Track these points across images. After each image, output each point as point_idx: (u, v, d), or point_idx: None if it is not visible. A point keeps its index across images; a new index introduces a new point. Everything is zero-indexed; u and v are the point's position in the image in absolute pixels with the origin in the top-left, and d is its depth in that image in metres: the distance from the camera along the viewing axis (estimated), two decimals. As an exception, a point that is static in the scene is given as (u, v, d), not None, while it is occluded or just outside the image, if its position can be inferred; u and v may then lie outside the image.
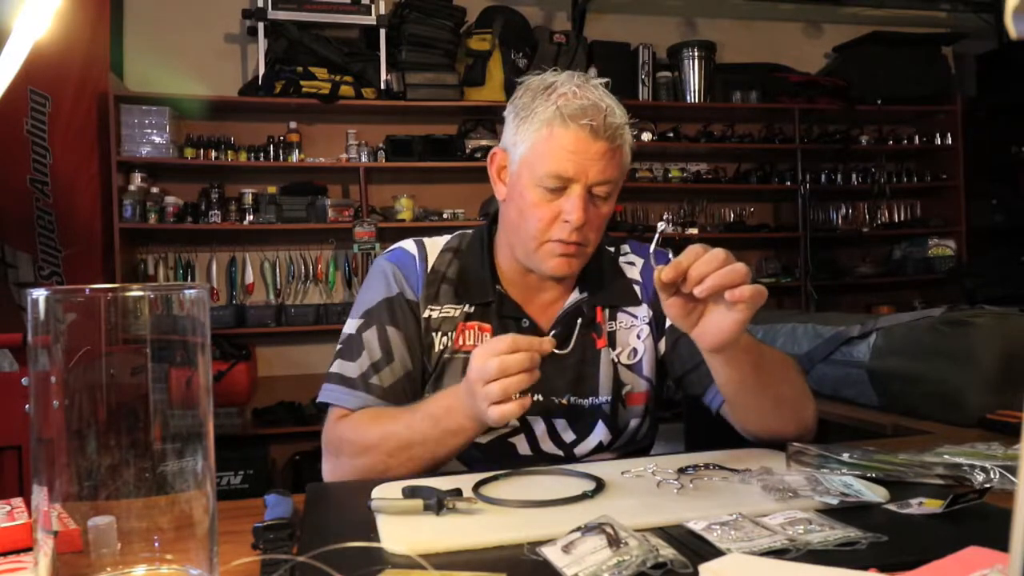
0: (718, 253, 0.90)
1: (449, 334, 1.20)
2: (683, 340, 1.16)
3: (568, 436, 1.20)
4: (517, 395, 0.94)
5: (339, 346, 1.21)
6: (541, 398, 1.17)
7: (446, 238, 1.28)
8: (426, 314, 1.21)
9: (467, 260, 1.24)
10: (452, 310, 1.21)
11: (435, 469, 1.08)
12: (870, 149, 4.55)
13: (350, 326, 1.22)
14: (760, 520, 0.77)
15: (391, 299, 1.21)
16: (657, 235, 1.00)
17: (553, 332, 1.20)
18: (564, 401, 1.19)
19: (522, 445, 1.19)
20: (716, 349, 0.97)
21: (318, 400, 1.19)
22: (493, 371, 0.93)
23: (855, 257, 4.67)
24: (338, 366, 1.19)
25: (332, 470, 1.14)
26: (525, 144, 1.13)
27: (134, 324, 0.62)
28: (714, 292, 0.89)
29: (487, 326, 1.20)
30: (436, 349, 1.20)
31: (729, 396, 1.10)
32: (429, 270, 1.23)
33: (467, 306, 1.21)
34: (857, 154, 4.58)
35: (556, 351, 0.98)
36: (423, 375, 1.20)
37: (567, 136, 1.09)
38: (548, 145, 1.10)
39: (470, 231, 1.30)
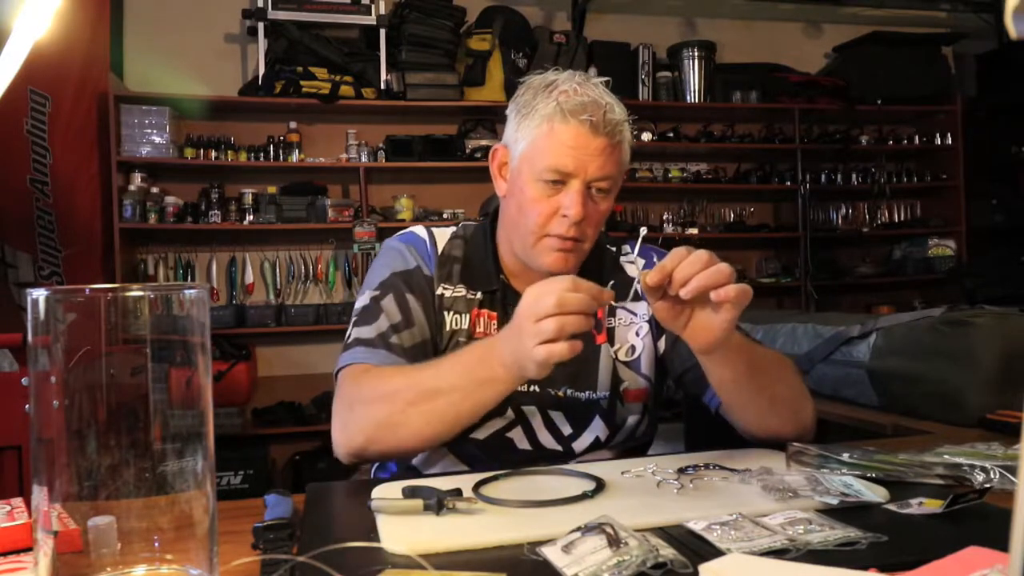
0: (701, 255, 0.91)
1: (461, 315, 1.20)
2: (682, 340, 1.16)
3: (566, 429, 1.20)
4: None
5: (354, 318, 1.18)
6: (538, 389, 1.17)
7: (451, 228, 1.29)
8: (439, 291, 1.21)
9: (472, 249, 1.25)
10: (463, 290, 1.21)
11: (450, 434, 1.06)
12: (870, 149, 4.55)
13: (364, 298, 1.19)
14: (760, 520, 0.77)
15: (408, 271, 1.21)
16: (639, 239, 1.01)
17: None
18: (560, 393, 1.19)
19: (520, 439, 1.19)
20: (707, 350, 0.98)
21: (336, 369, 1.14)
22: (551, 306, 0.88)
23: (855, 257, 4.67)
24: (355, 333, 1.15)
25: (343, 426, 1.08)
26: (526, 140, 1.14)
27: (134, 324, 0.62)
28: (699, 293, 0.89)
29: (494, 314, 1.20)
30: (447, 328, 1.20)
31: (725, 396, 1.10)
32: (440, 253, 1.24)
33: (477, 293, 1.21)
34: (857, 154, 4.58)
35: (612, 303, 0.96)
36: (435, 352, 1.19)
37: (567, 132, 1.09)
38: (548, 140, 1.11)
39: (472, 222, 1.31)
